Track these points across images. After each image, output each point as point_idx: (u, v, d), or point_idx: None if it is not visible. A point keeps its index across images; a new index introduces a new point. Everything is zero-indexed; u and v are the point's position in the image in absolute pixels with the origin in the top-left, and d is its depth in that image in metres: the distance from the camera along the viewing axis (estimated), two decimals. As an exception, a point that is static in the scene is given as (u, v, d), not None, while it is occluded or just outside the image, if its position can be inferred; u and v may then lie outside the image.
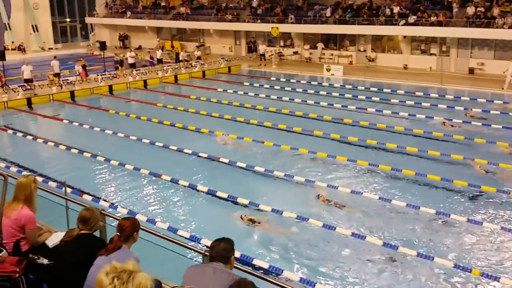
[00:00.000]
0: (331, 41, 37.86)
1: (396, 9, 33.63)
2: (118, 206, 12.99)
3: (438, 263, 10.15)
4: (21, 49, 44.79)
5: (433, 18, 31.51)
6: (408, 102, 24.19)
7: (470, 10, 30.93)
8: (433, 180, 14.40)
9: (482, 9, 30.50)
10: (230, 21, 41.10)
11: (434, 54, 32.92)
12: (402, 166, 15.38)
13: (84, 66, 30.51)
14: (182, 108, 23.87)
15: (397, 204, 12.86)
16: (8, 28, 46.81)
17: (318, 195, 13.41)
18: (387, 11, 33.99)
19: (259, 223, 11.97)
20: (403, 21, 32.66)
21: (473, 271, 9.86)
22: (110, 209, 12.27)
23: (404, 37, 33.50)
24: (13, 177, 6.91)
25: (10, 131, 21.05)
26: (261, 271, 9.43)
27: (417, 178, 14.68)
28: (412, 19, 32.34)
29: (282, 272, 9.72)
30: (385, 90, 27.26)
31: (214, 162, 16.45)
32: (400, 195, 13.59)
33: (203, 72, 33.98)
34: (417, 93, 26.06)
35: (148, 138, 18.91)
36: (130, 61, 32.56)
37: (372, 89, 27.64)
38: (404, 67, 33.14)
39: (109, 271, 2.85)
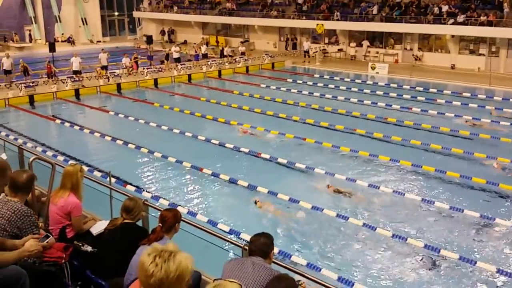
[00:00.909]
0: (376, 39, 37.35)
1: (444, 8, 32.83)
2: (160, 197, 13.20)
3: (480, 267, 9.92)
4: (70, 41, 45.96)
5: (483, 18, 30.62)
6: (454, 103, 23.62)
7: (523, 9, 29.94)
8: (478, 183, 14.05)
9: (535, 9, 29.49)
10: (275, 17, 41.06)
11: (483, 55, 31.99)
12: (446, 167, 15.06)
13: (136, 60, 31.17)
14: (225, 103, 24.02)
15: (441, 206, 12.61)
16: (58, 21, 48.11)
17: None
18: (436, 9, 33.23)
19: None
20: (451, 20, 31.88)
21: (517, 277, 9.59)
22: (152, 200, 12.49)
23: (452, 36, 32.66)
24: (60, 166, 7.12)
25: (58, 121, 21.67)
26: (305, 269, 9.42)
27: (461, 180, 14.34)
28: (461, 18, 31.52)
29: (320, 270, 9.68)
30: (431, 90, 26.69)
31: (255, 157, 16.50)
32: (443, 197, 13.32)
33: (247, 67, 34.09)
34: (464, 94, 25.41)
35: (190, 131, 19.12)
36: (175, 55, 33.04)
37: (417, 88, 27.11)
38: (452, 67, 32.36)
39: (150, 252, 2.89)
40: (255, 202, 12.62)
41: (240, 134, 18.89)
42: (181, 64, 32.44)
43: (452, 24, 31.76)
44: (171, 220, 4.99)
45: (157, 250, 2.88)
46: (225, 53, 36.43)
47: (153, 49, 35.86)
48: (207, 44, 39.71)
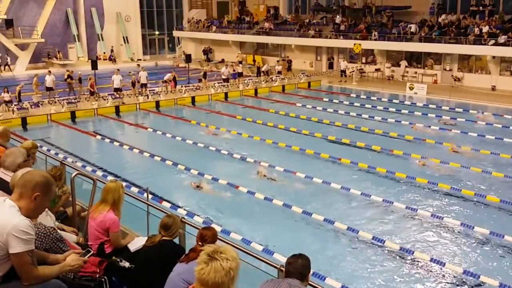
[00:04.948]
0: (414, 59, 36.98)
1: (485, 29, 32.29)
2: (194, 214, 13.27)
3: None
4: (111, 59, 47.05)
5: (525, 39, 30.01)
6: (495, 125, 23.10)
7: None
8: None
9: None
10: (313, 36, 41.18)
11: (525, 76, 31.29)
12: (486, 192, 14.74)
13: (174, 78, 31.65)
14: (261, 122, 24.10)
15: (481, 231, 12.31)
16: (100, 39, 49.38)
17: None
18: (476, 30, 32.73)
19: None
20: (492, 41, 31.33)
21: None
22: (187, 217, 12.56)
23: (493, 57, 32.07)
24: (101, 181, 7.26)
25: (99, 137, 22.15)
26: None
27: (502, 205, 13.97)
28: (502, 39, 30.94)
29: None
30: (471, 111, 26.22)
31: (292, 176, 16.45)
32: (484, 222, 12.98)
33: (283, 86, 34.18)
34: (505, 116, 24.82)
35: (226, 149, 19.24)
36: (224, 76, 33.51)
37: (457, 109, 26.64)
38: (492, 88, 31.70)
39: (202, 259, 3.12)
40: None
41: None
42: (218, 82, 32.78)
43: (493, 45, 31.21)
44: (210, 238, 5.02)
45: (205, 254, 3.10)
46: (261, 71, 36.67)
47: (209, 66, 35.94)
48: (240, 63, 40.03)
